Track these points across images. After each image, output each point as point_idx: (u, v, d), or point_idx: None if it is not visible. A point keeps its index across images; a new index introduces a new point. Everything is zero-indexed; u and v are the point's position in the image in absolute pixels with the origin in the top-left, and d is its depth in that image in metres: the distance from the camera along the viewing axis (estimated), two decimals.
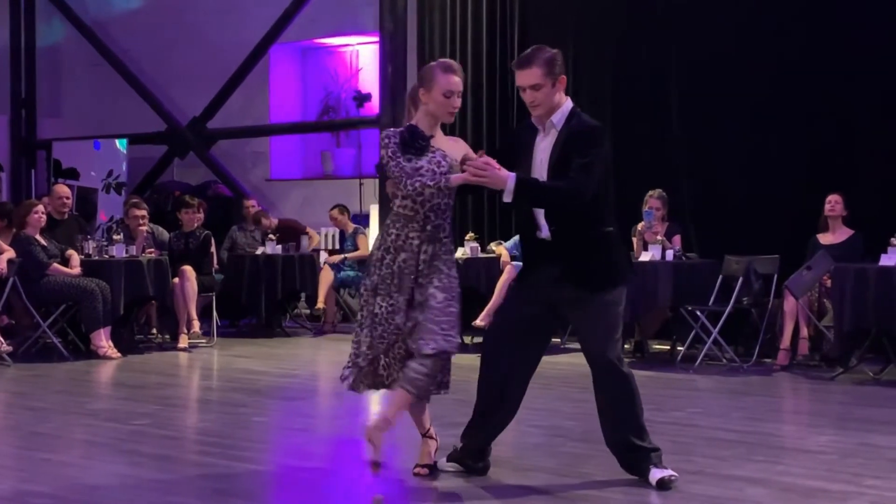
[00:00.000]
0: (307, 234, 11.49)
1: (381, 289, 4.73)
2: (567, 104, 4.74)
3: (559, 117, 4.70)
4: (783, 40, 9.53)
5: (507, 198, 4.48)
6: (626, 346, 9.28)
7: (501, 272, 9.51)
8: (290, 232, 11.53)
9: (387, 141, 4.73)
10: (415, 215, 4.74)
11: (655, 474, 4.66)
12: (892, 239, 8.14)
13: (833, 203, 8.79)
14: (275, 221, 11.72)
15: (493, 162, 4.51)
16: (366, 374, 4.81)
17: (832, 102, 9.33)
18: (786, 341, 8.58)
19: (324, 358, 9.75)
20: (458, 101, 4.77)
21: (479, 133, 11.22)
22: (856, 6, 9.28)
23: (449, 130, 5.08)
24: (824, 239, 8.83)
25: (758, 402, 7.10)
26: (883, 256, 8.09)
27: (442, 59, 4.97)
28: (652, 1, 10.24)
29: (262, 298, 10.83)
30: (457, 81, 4.74)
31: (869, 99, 9.23)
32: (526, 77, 4.65)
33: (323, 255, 11.80)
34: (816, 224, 8.91)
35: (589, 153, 4.55)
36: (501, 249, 9.91)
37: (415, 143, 4.72)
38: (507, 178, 4.46)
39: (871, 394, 7.49)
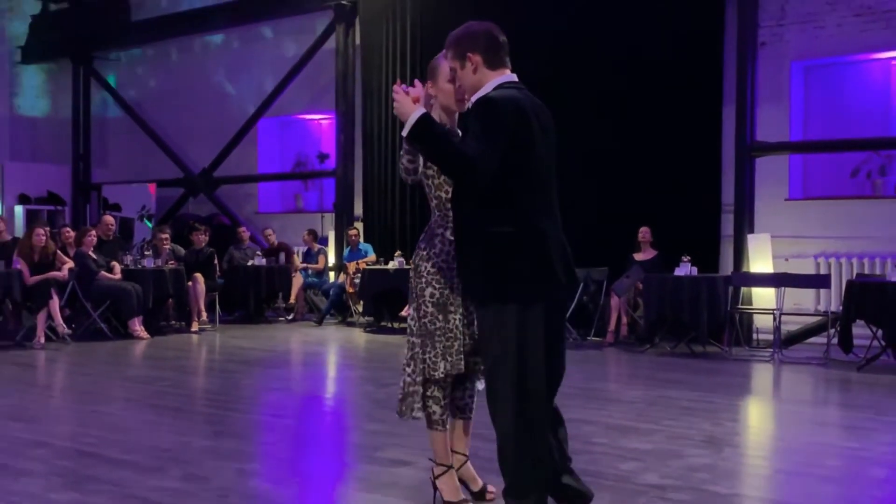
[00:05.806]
0: (293, 254, 11.36)
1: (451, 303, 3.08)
2: (489, 84, 2.86)
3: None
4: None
5: (405, 131, 2.75)
6: None
7: None
8: (284, 249, 11.38)
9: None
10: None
11: None
12: (682, 257, 8.38)
13: (644, 233, 9.00)
14: (276, 242, 11.54)
15: (412, 90, 2.80)
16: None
17: (646, 155, 9.17)
18: (612, 326, 8.74)
19: (294, 338, 9.65)
20: None
21: (412, 194, 11.11)
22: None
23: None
24: (638, 256, 9.01)
25: (592, 368, 7.16)
26: (676, 269, 8.33)
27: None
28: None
29: (251, 296, 10.69)
30: None
31: (668, 152, 9.07)
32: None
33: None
34: (633, 246, 9.08)
35: (475, 125, 2.72)
36: None
37: None
38: (414, 110, 2.73)
39: (668, 362, 7.67)
